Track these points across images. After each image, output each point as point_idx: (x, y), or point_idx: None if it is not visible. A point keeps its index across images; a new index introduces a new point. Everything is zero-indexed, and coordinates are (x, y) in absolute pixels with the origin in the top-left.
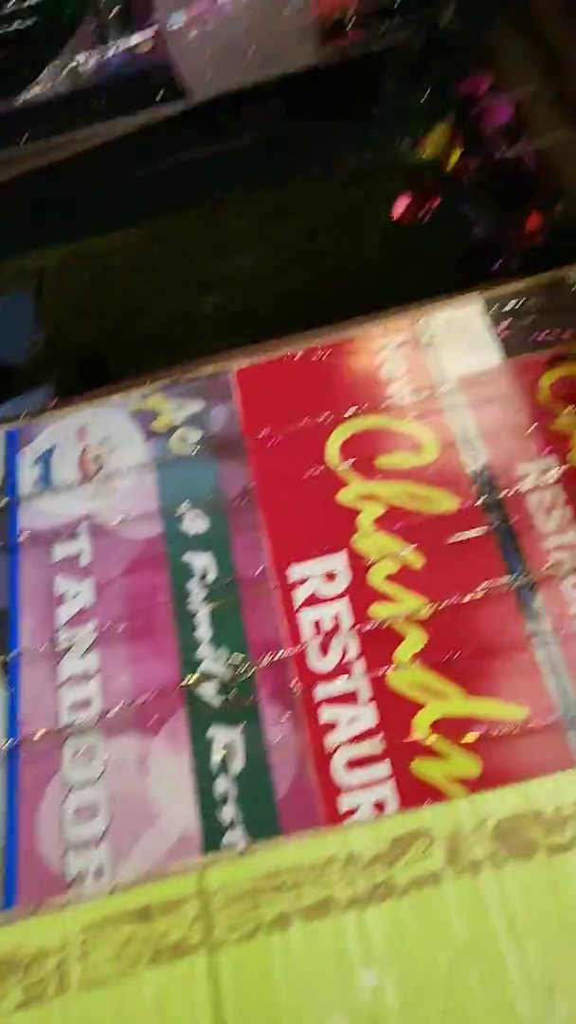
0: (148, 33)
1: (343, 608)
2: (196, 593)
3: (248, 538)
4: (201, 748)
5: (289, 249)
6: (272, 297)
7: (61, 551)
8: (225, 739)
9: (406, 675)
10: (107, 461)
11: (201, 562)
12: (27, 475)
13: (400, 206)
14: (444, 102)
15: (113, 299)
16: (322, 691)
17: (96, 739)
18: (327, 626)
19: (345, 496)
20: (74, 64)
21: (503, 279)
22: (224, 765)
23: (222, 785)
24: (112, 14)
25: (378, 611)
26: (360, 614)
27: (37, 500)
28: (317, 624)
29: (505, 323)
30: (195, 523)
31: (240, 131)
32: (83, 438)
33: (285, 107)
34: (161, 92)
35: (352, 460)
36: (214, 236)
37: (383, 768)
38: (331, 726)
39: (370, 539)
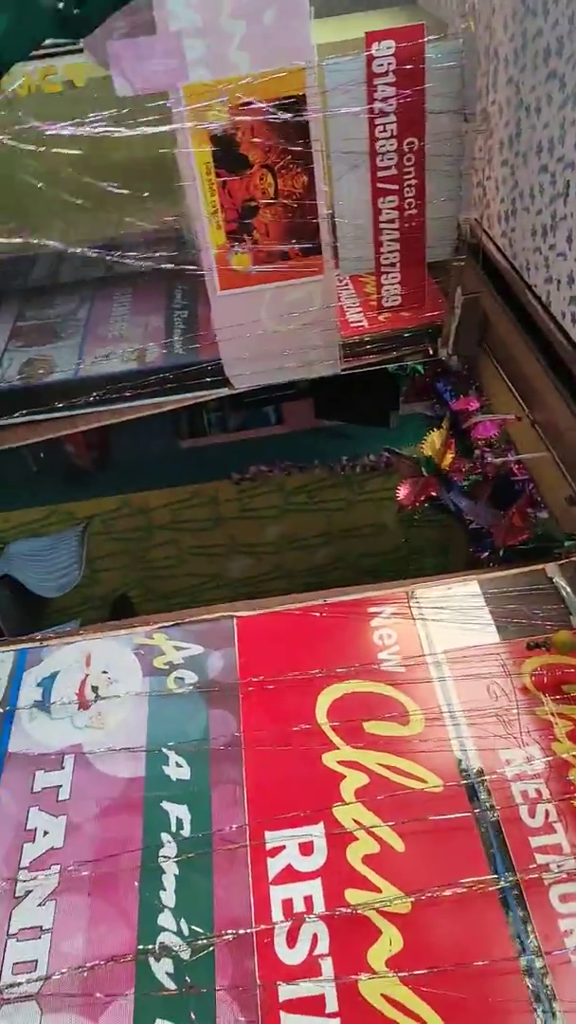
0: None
1: (316, 889)
2: (168, 846)
3: (228, 793)
4: None
5: (310, 525)
6: (293, 566)
7: (43, 781)
8: None
9: (379, 985)
10: (105, 691)
11: (178, 813)
12: (27, 697)
13: (402, 491)
14: (442, 414)
15: (151, 551)
16: (285, 991)
17: (33, 1013)
18: (298, 907)
19: (330, 759)
20: (143, 348)
21: (492, 566)
22: None
23: None
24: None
25: (353, 897)
26: (333, 897)
27: (30, 724)
28: (288, 904)
29: (493, 606)
30: (178, 769)
31: (277, 421)
32: (87, 666)
33: (315, 405)
34: (209, 379)
35: (340, 721)
36: (246, 506)
37: None
38: None
39: (352, 811)
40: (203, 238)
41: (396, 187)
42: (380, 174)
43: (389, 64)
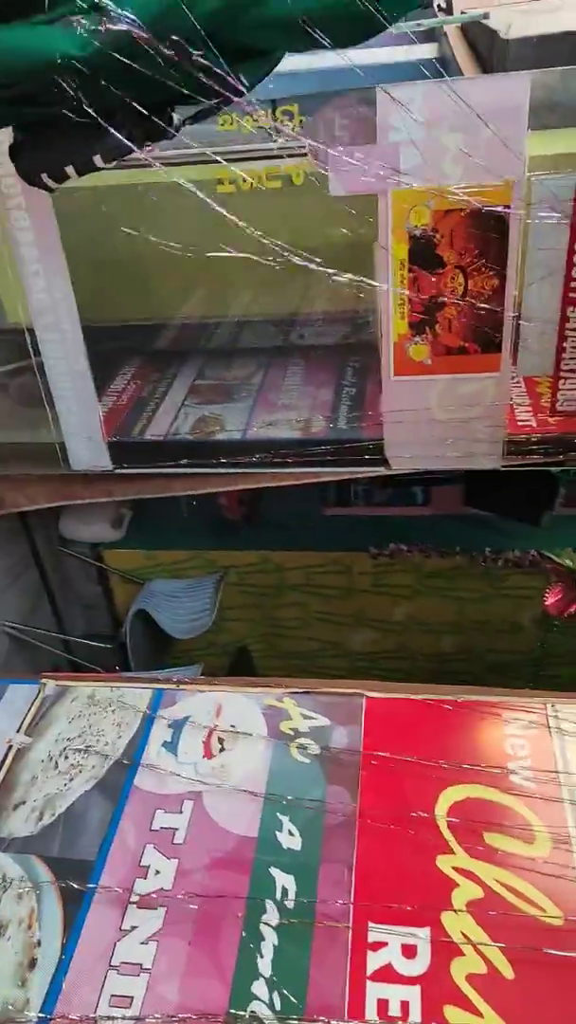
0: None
1: (415, 997)
2: (271, 912)
3: (336, 872)
4: None
5: (442, 611)
6: (417, 648)
7: (161, 821)
8: None
9: None
10: (230, 745)
11: (284, 882)
12: (158, 736)
13: (551, 597)
14: None
15: (279, 609)
16: None
17: None
18: (394, 1010)
19: (445, 864)
20: (309, 419)
21: None
22: None
23: None
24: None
25: (453, 1015)
26: (432, 1011)
27: (158, 762)
28: (384, 1005)
29: None
30: (290, 838)
31: (424, 502)
32: (216, 716)
33: (466, 492)
34: (368, 456)
35: (460, 825)
36: (379, 581)
37: None
38: None
39: (461, 922)
40: (386, 326)
41: None
42: (574, 284)
43: None
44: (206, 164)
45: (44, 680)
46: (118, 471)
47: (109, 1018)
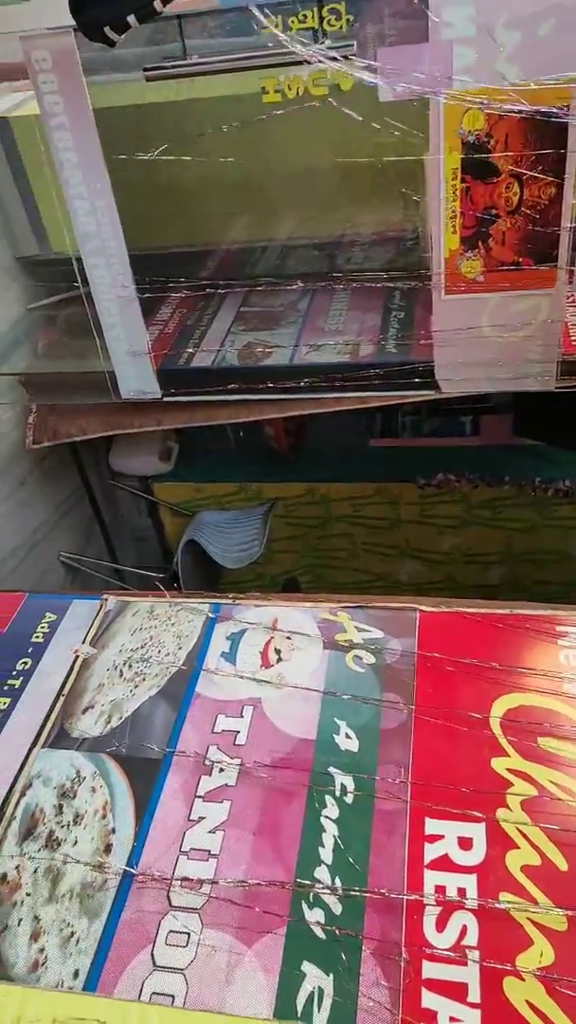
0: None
1: (471, 884)
2: (331, 808)
3: (392, 772)
4: (290, 981)
5: (489, 542)
6: (463, 580)
7: (223, 724)
8: (317, 981)
9: (525, 989)
10: (287, 656)
11: (343, 780)
12: (216, 647)
13: None
14: None
15: (326, 541)
16: (430, 969)
17: (195, 923)
18: (451, 894)
19: (499, 766)
20: (356, 343)
21: None
22: (308, 1009)
23: None
24: (394, 316)
25: (508, 900)
26: (487, 896)
27: (217, 672)
28: (441, 890)
29: None
30: (348, 740)
31: (473, 432)
32: (272, 629)
33: (516, 421)
34: (417, 380)
35: (514, 730)
36: (427, 512)
37: None
38: (430, 1016)
39: (516, 819)
40: (436, 242)
41: None
42: None
43: None
44: (247, 71)
45: (105, 596)
46: (166, 399)
47: (186, 879)
